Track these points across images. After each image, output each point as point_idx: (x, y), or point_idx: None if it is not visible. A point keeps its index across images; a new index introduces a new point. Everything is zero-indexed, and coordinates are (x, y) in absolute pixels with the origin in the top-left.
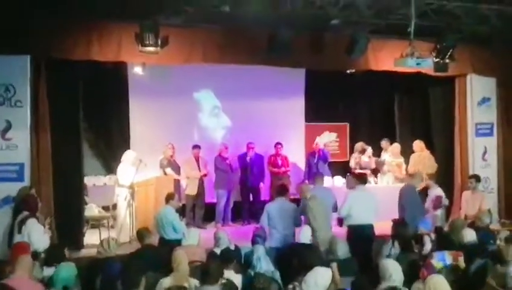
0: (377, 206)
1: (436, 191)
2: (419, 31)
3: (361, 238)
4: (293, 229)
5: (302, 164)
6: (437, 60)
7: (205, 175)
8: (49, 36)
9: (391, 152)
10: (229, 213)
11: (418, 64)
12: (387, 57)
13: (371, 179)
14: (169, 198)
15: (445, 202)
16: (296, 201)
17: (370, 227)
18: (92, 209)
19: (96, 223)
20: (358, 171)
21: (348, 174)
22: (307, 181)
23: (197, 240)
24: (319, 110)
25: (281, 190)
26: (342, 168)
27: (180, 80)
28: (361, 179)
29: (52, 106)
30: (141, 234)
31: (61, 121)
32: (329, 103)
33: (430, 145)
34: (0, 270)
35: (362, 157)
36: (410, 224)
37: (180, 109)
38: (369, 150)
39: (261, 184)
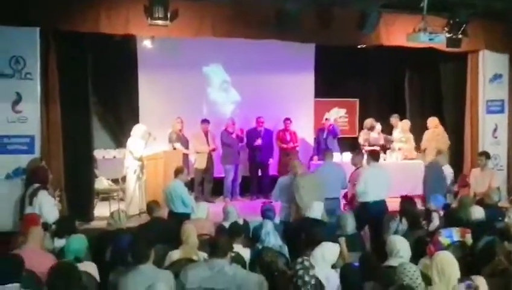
0: (390, 183)
1: (446, 168)
2: (432, 6)
3: (376, 213)
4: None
5: (310, 140)
6: (450, 35)
7: (214, 150)
8: (57, 8)
9: (401, 128)
10: (237, 188)
11: (430, 39)
12: (399, 32)
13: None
14: (178, 172)
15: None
16: None
17: (383, 203)
18: (101, 182)
19: (106, 196)
20: (367, 148)
21: (357, 150)
22: (316, 157)
23: (205, 214)
24: (328, 85)
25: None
26: (350, 145)
27: (189, 53)
28: (375, 155)
29: (62, 79)
30: (151, 206)
31: (70, 94)
32: (339, 79)
33: (440, 122)
34: (13, 241)
35: (371, 134)
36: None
37: (190, 83)
38: (378, 126)
39: (270, 160)
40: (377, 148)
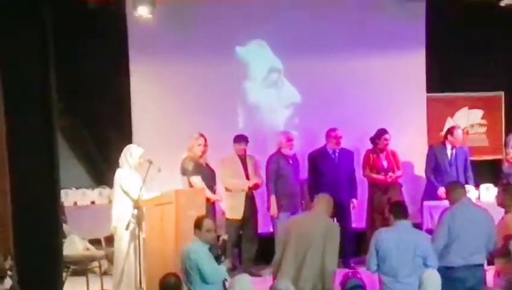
0: None
1: None
2: None
3: None
4: (420, 275)
5: (421, 165)
6: None
7: (257, 186)
8: None
9: None
10: None
11: None
12: None
13: None
14: (197, 226)
15: None
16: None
17: None
18: (73, 245)
19: (82, 268)
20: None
21: (505, 182)
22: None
23: None
24: (451, 72)
25: (399, 209)
26: (492, 171)
27: (213, 26)
28: None
29: (7, 77)
30: (169, 285)
31: (20, 98)
32: (468, 60)
33: None
34: None
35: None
36: None
37: (214, 75)
38: None
39: (353, 201)
40: None
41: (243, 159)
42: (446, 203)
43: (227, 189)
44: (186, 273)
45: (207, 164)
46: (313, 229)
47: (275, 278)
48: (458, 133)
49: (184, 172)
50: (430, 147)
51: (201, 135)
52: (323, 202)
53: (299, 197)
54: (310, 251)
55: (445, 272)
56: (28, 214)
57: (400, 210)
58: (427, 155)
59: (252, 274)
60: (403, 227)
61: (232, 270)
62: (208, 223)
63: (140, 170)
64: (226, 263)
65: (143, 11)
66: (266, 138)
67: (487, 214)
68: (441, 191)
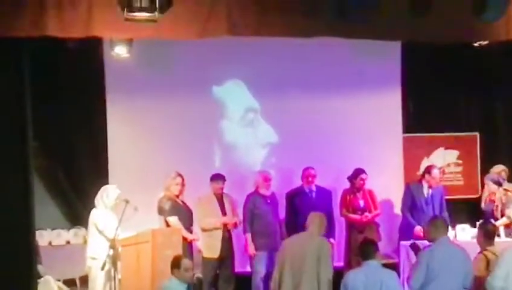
0: None
1: None
2: None
3: None
4: None
5: (398, 205)
6: None
7: (235, 226)
8: None
9: None
10: None
11: None
12: None
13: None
14: (173, 265)
15: None
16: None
17: None
18: (48, 286)
19: None
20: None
21: (484, 222)
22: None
23: None
24: (426, 112)
25: (367, 249)
26: (467, 211)
27: (190, 65)
28: None
29: None
30: None
31: None
32: (443, 101)
33: None
34: None
35: (497, 193)
36: None
37: (191, 114)
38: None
39: (331, 240)
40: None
41: (220, 198)
42: (423, 242)
43: (203, 229)
44: None
45: (184, 203)
46: (305, 250)
47: None
48: (436, 172)
49: (161, 212)
50: (407, 185)
51: (179, 174)
52: (316, 221)
53: (279, 236)
54: (304, 273)
55: None
56: (2, 255)
57: (368, 250)
58: (404, 193)
59: None
60: (371, 267)
61: None
62: (186, 262)
63: (116, 210)
64: None
65: (120, 50)
66: (243, 177)
67: (465, 254)
68: (418, 229)
